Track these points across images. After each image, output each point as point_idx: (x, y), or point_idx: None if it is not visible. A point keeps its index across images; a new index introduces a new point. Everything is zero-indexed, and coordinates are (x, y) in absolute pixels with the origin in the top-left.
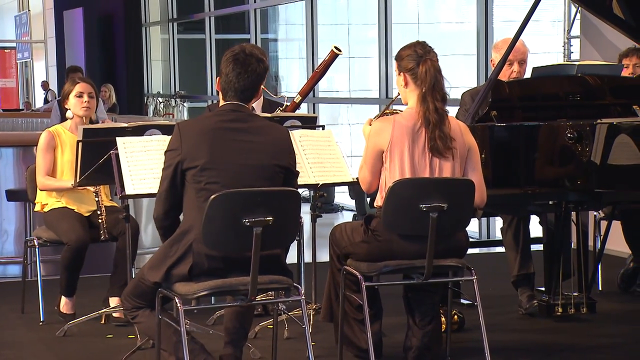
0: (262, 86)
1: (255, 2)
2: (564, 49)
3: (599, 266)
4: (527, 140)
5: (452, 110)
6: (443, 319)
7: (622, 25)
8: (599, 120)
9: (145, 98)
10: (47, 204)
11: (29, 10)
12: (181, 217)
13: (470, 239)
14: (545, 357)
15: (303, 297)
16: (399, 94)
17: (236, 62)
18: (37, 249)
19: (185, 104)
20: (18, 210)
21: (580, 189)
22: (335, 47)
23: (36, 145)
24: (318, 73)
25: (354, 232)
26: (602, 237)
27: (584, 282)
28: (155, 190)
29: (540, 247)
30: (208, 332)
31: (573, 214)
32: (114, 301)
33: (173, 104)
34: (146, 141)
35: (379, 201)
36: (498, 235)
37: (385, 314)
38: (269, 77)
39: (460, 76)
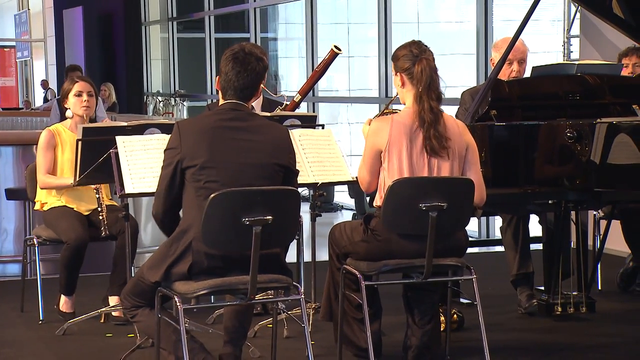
0: (261, 85)
1: (255, 1)
2: (564, 49)
3: (599, 265)
4: (526, 140)
5: (450, 110)
6: (442, 318)
7: (621, 24)
8: (598, 120)
9: (145, 97)
10: (46, 203)
11: (28, 9)
12: (180, 213)
13: (470, 238)
14: (545, 356)
15: (302, 296)
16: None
17: (236, 61)
18: (36, 248)
19: (184, 103)
20: (17, 209)
21: (579, 188)
22: (335, 47)
23: (36, 144)
24: (318, 72)
25: (354, 231)
26: (601, 236)
27: (584, 282)
28: (154, 189)
29: (539, 246)
30: (207, 331)
31: (572, 213)
32: (113, 300)
33: (173, 103)
34: (146, 140)
35: (378, 201)
36: (497, 235)
37: (385, 313)
38: (269, 76)
39: (460, 75)
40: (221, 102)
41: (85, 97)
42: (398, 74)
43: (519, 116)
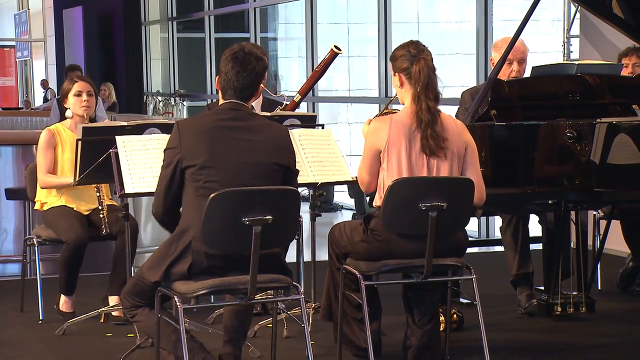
0: (261, 85)
1: (254, 0)
2: (564, 48)
3: (598, 265)
4: (526, 140)
5: (450, 109)
6: (442, 318)
7: (621, 24)
8: (598, 120)
9: (145, 97)
10: (46, 203)
11: (28, 9)
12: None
13: (470, 238)
14: (544, 356)
15: (302, 296)
16: None
17: (235, 61)
18: (36, 248)
19: (184, 103)
20: (17, 208)
21: (579, 188)
22: (335, 46)
23: (35, 144)
24: (318, 72)
25: (354, 231)
26: (601, 236)
27: (583, 282)
28: (154, 188)
29: (539, 246)
30: (207, 330)
31: (572, 213)
32: (113, 300)
33: (172, 103)
34: (146, 140)
35: (377, 201)
36: (497, 235)
37: (385, 313)
38: (269, 76)
39: (460, 75)
40: (221, 102)
41: (84, 96)
42: (396, 74)
43: (518, 116)
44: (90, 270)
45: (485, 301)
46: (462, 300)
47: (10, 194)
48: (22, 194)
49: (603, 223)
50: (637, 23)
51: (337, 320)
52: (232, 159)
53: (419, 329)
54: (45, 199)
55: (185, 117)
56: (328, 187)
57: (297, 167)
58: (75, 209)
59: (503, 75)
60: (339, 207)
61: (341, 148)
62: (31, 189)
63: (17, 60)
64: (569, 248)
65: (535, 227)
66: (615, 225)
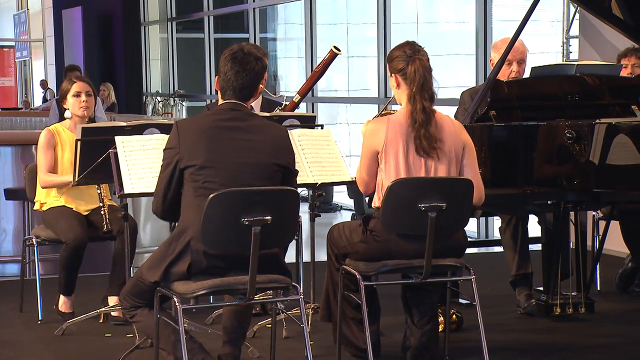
0: (261, 85)
1: (254, 1)
2: (563, 49)
3: (598, 266)
4: (525, 140)
5: (449, 110)
6: (441, 318)
7: (621, 25)
8: (597, 120)
9: (144, 97)
10: (45, 203)
11: (27, 9)
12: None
13: (469, 239)
14: (544, 356)
15: (302, 296)
16: None
17: (234, 61)
18: (35, 248)
19: (184, 103)
20: (17, 209)
21: (578, 188)
22: (335, 47)
23: (35, 144)
24: (317, 72)
25: (353, 232)
26: (600, 237)
27: (583, 282)
28: (153, 189)
29: (538, 246)
30: (207, 331)
31: (572, 213)
32: (112, 300)
33: (172, 103)
34: (145, 140)
35: (376, 202)
36: (496, 235)
37: (384, 314)
38: (268, 76)
39: (459, 76)
40: (220, 102)
41: (83, 97)
42: (393, 75)
43: (518, 117)
44: (89, 271)
45: (484, 302)
46: (461, 300)
47: (10, 194)
48: (21, 194)
49: (602, 224)
50: (637, 24)
51: (336, 320)
52: (231, 159)
53: (418, 329)
54: (45, 199)
55: (184, 117)
56: (327, 187)
57: (296, 168)
58: (74, 209)
59: (502, 75)
60: (339, 208)
61: (340, 148)
62: (30, 190)
63: (16, 60)
64: (568, 248)
65: (534, 227)
66: (615, 225)
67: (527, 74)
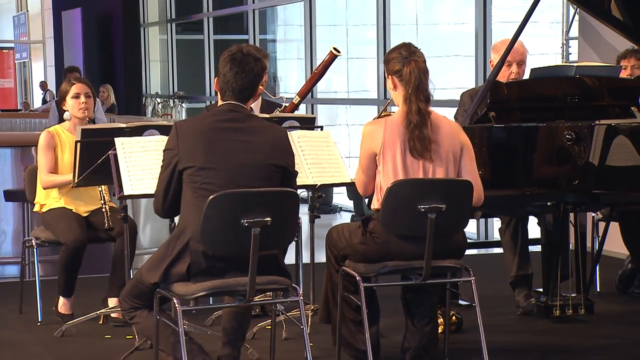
0: (261, 87)
1: (253, 2)
2: (562, 50)
3: (597, 267)
4: (525, 142)
5: (448, 111)
6: (441, 319)
7: (620, 26)
8: (597, 122)
9: (144, 98)
10: (45, 204)
11: (27, 11)
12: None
13: (469, 240)
14: (543, 358)
15: (301, 297)
16: None
17: (233, 62)
18: (35, 250)
19: (183, 105)
20: (16, 210)
21: (578, 190)
22: (335, 48)
23: (34, 146)
24: (317, 74)
25: (352, 234)
26: (600, 238)
27: (582, 283)
28: (153, 190)
29: (538, 248)
30: (206, 332)
31: (571, 215)
32: (112, 301)
33: (171, 105)
34: (144, 142)
35: (375, 204)
36: (496, 236)
37: (383, 315)
38: (268, 77)
39: (459, 77)
40: (220, 103)
41: (83, 98)
42: (390, 76)
43: (517, 118)
44: (89, 272)
45: (484, 303)
46: (461, 302)
47: (9, 195)
48: (21, 196)
49: (602, 225)
50: (636, 25)
51: (336, 322)
52: (230, 161)
53: (418, 330)
54: (45, 201)
55: (184, 118)
56: (327, 188)
57: (295, 169)
58: (74, 210)
59: (502, 77)
60: (338, 209)
61: (340, 150)
62: (30, 191)
63: (15, 61)
64: (568, 250)
65: (534, 228)
66: (614, 227)
67: (526, 75)
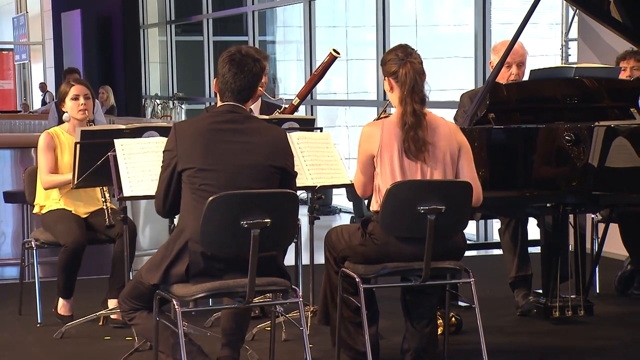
0: (260, 88)
1: (253, 4)
2: (562, 52)
3: (597, 269)
4: (524, 143)
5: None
6: (440, 321)
7: (619, 28)
8: (596, 123)
9: (143, 100)
10: (45, 206)
11: (26, 12)
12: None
13: (468, 241)
14: (543, 359)
15: (301, 299)
16: None
17: (232, 63)
18: (34, 251)
19: (183, 106)
20: (16, 212)
21: (577, 191)
22: (334, 50)
23: (34, 147)
24: (316, 76)
25: (352, 235)
26: (599, 239)
27: (582, 285)
28: (152, 192)
29: (538, 249)
30: (206, 334)
31: (571, 216)
32: (112, 303)
33: (171, 106)
34: (144, 143)
35: (374, 205)
36: (496, 238)
37: (383, 317)
38: (267, 79)
39: (459, 78)
40: (219, 104)
41: (82, 100)
42: (386, 78)
43: (517, 119)
44: (88, 274)
45: (483, 304)
46: (460, 303)
47: (9, 197)
48: (20, 197)
49: (601, 226)
50: (635, 26)
51: (335, 323)
52: (228, 162)
53: (417, 332)
54: (44, 202)
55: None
56: (326, 190)
57: (295, 170)
58: (73, 211)
59: (502, 78)
60: (338, 210)
61: (339, 151)
62: (30, 192)
63: (15, 63)
64: (567, 251)
65: (533, 230)
66: (614, 228)
67: (526, 77)
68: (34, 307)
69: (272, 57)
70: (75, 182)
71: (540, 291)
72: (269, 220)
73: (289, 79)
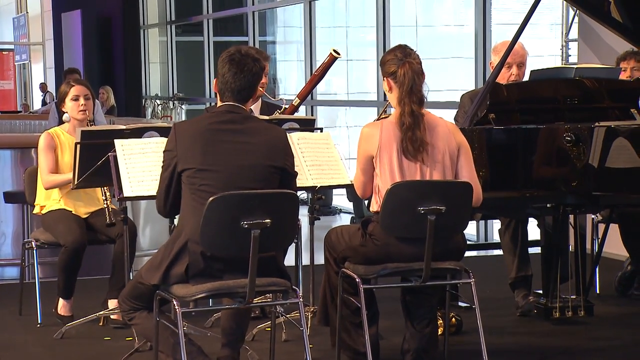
0: (260, 88)
1: (253, 4)
2: (562, 52)
3: (597, 269)
4: (525, 143)
5: (448, 113)
6: (441, 321)
7: (620, 28)
8: (596, 124)
9: (143, 100)
10: (45, 206)
11: (27, 12)
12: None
13: (468, 242)
14: (543, 359)
15: (301, 299)
16: None
17: (232, 63)
18: (34, 251)
19: (183, 107)
20: (16, 212)
21: (577, 191)
22: (334, 50)
23: (34, 147)
24: (317, 76)
25: (352, 236)
26: (599, 240)
27: (582, 285)
28: (153, 192)
29: (538, 249)
30: (206, 334)
31: (571, 216)
32: (112, 303)
33: (171, 107)
34: (144, 143)
35: (374, 206)
36: (496, 238)
37: (383, 317)
38: (268, 79)
39: (459, 79)
40: (219, 104)
41: (82, 100)
42: (385, 78)
43: (517, 120)
44: (88, 274)
45: (483, 305)
46: (460, 303)
47: (9, 197)
48: (20, 198)
49: (601, 227)
50: (635, 27)
51: (334, 324)
52: (228, 162)
53: (418, 332)
54: (44, 202)
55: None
56: (327, 190)
57: (295, 170)
58: (73, 212)
59: (502, 78)
60: (338, 211)
61: (340, 151)
62: (30, 193)
63: (15, 63)
64: (568, 252)
65: (534, 230)
66: (614, 229)
67: (526, 77)
68: (34, 308)
69: (272, 57)
70: (76, 183)
71: (541, 292)
72: (269, 220)
73: (289, 80)
